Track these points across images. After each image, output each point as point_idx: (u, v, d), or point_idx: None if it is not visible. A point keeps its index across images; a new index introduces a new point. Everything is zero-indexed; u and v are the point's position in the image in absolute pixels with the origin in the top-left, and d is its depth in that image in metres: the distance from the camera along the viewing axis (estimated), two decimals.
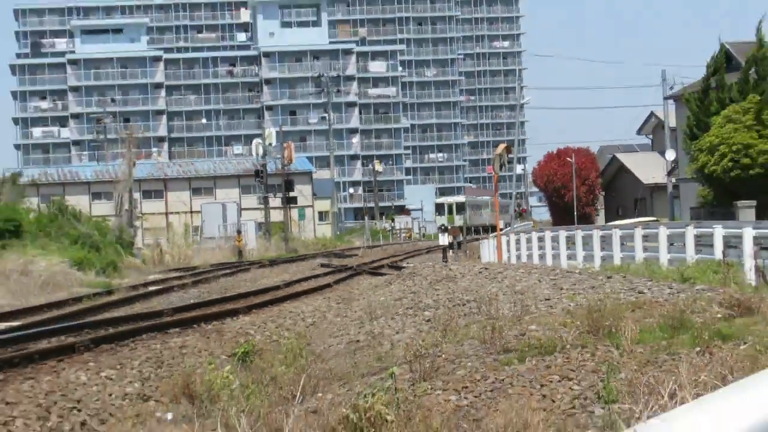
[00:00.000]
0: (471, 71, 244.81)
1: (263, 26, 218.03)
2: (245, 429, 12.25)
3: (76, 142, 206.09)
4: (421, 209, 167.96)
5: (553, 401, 15.30)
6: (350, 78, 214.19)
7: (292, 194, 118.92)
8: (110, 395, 20.25)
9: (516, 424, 13.46)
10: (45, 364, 23.33)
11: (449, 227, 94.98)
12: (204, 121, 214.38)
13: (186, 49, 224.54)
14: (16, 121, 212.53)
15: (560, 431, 13.29)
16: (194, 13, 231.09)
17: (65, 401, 19.39)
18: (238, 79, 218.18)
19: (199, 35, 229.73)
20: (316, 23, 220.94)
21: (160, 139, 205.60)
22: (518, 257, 63.17)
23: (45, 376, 21.79)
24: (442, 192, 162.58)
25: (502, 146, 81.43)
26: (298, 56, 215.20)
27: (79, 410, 18.88)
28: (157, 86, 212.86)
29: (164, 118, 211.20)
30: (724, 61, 69.90)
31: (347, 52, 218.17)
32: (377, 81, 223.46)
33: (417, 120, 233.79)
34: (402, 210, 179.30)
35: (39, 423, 17.88)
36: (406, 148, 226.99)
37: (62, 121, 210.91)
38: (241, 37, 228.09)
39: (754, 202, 59.10)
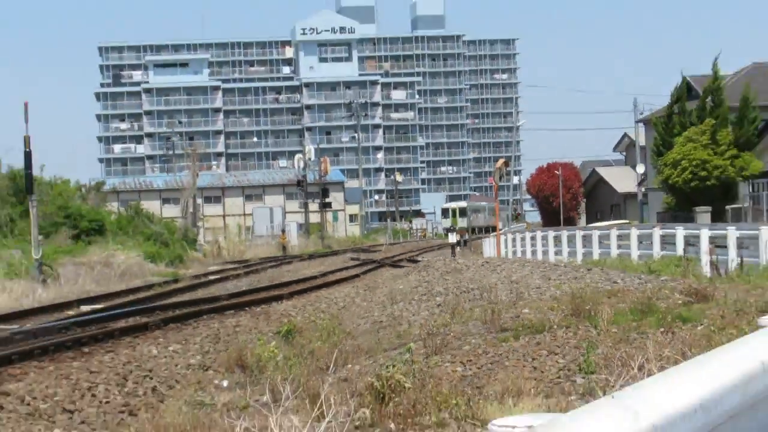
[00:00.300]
0: (476, 99, 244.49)
1: (304, 61, 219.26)
2: (288, 394, 12.22)
3: (150, 157, 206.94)
4: (434, 213, 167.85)
5: (542, 372, 15.29)
6: (376, 104, 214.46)
7: (327, 200, 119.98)
8: (176, 365, 20.29)
9: (511, 391, 13.42)
10: (123, 339, 23.41)
11: (457, 228, 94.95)
12: (255, 139, 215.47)
13: (240, 80, 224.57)
14: (100, 139, 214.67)
15: (548, 397, 13.25)
16: (247, 50, 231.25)
17: (139, 370, 19.43)
18: (283, 105, 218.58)
19: (251, 68, 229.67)
20: (348, 59, 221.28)
21: (219, 155, 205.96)
22: (514, 253, 63.09)
23: (123, 350, 21.84)
24: (452, 199, 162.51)
25: (501, 161, 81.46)
26: (332, 86, 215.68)
27: (151, 378, 18.92)
28: (216, 110, 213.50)
29: (222, 137, 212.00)
30: (685, 91, 69.75)
31: (373, 83, 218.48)
32: (398, 107, 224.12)
33: (431, 139, 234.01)
34: (418, 213, 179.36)
35: (117, 388, 17.89)
36: (422, 162, 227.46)
37: (138, 140, 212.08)
38: (286, 70, 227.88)
39: (709, 208, 59.15)
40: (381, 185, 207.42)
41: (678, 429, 3.10)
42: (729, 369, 3.66)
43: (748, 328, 14.85)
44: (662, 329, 17.84)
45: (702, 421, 3.30)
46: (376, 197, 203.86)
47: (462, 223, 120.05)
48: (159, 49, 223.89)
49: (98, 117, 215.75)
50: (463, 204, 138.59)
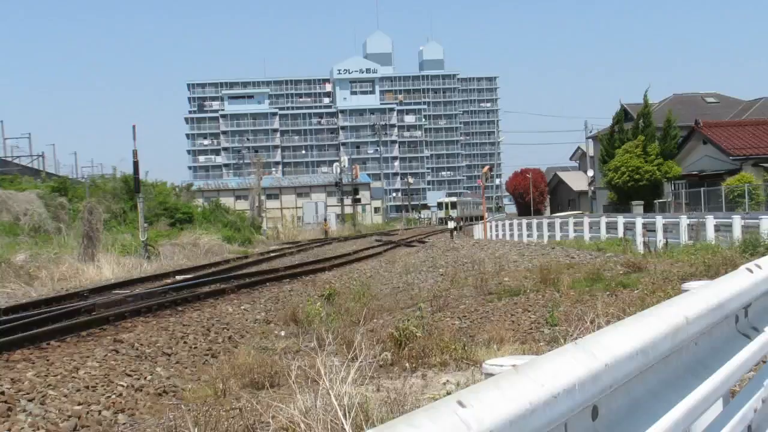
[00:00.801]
0: (467, 121, 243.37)
1: (340, 94, 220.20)
2: (330, 341, 12.20)
3: (225, 165, 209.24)
4: (437, 206, 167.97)
5: (519, 325, 15.28)
6: (392, 126, 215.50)
7: (357, 197, 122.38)
8: (246, 320, 20.32)
9: (496, 339, 13.41)
10: (207, 301, 23.48)
11: (454, 217, 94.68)
12: (303, 152, 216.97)
13: (292, 108, 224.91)
14: (188, 152, 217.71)
15: (523, 343, 13.23)
16: (297, 86, 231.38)
17: (219, 324, 19.47)
18: (324, 126, 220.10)
19: (300, 99, 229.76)
20: (372, 92, 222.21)
21: (276, 163, 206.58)
22: (497, 236, 62.97)
23: (207, 308, 21.89)
24: (449, 195, 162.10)
25: (486, 168, 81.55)
26: (360, 112, 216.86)
27: (227, 329, 18.96)
28: (274, 131, 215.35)
29: (279, 150, 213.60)
30: (623, 115, 69.60)
31: (391, 110, 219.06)
32: (409, 127, 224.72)
33: (433, 151, 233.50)
34: (425, 206, 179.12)
35: (203, 337, 17.94)
36: (427, 168, 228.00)
37: (216, 152, 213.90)
38: (326, 100, 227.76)
39: (642, 202, 59.20)
40: (397, 185, 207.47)
41: (624, 366, 3.10)
42: (661, 322, 3.65)
43: (673, 291, 14.80)
44: (608, 293, 17.83)
45: (642, 361, 3.30)
46: (394, 194, 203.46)
47: (453, 213, 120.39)
48: (232, 85, 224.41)
49: (187, 136, 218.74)
50: (453, 199, 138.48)
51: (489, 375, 2.85)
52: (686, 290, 5.00)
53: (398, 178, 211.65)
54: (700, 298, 4.29)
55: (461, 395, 2.18)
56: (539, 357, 2.70)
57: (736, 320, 5.14)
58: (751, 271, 5.43)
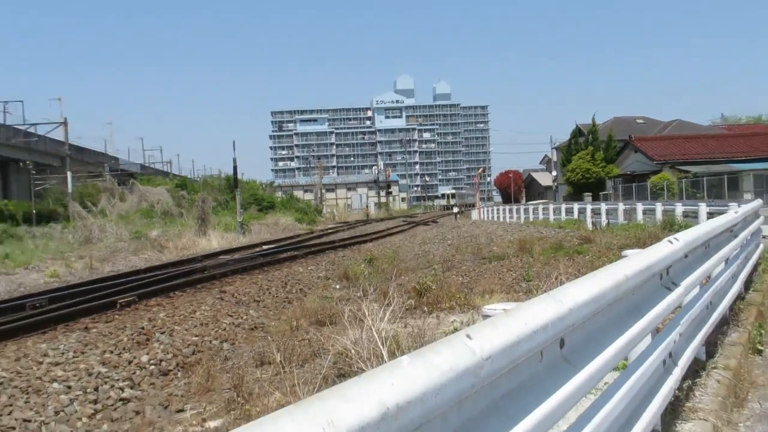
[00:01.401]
0: (467, 136, 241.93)
1: (377, 118, 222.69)
2: (371, 292, 12.20)
3: (297, 168, 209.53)
4: (441, 196, 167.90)
5: (504, 280, 15.14)
6: (414, 140, 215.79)
7: (389, 190, 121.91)
8: (312, 277, 20.31)
9: (487, 290, 13.32)
10: (284, 263, 23.49)
11: (457, 204, 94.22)
12: (351, 159, 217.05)
13: (343, 128, 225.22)
14: (271, 159, 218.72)
15: (507, 293, 13.13)
16: (347, 113, 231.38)
17: (293, 279, 19.47)
18: (366, 141, 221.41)
19: (349, 122, 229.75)
20: (400, 117, 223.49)
21: (333, 166, 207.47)
22: (488, 218, 62.70)
23: (284, 269, 21.92)
24: (452, 190, 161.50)
25: (480, 169, 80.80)
26: (392, 131, 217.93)
27: (299, 283, 18.97)
28: (331, 144, 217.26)
29: (335, 158, 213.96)
30: (578, 132, 69.11)
31: (413, 129, 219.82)
32: (426, 142, 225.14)
33: (443, 158, 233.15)
34: (437, 197, 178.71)
35: (282, 288, 17.97)
36: (438, 169, 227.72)
37: (291, 159, 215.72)
38: (367, 122, 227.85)
39: (590, 194, 59.10)
40: (417, 182, 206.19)
41: (583, 310, 3.07)
42: (608, 279, 3.61)
43: (614, 257, 14.66)
44: (567, 257, 17.66)
45: (596, 305, 3.26)
46: (415, 188, 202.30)
47: (453, 201, 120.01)
48: (302, 112, 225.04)
49: (270, 147, 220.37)
50: (453, 191, 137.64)
51: (486, 316, 2.84)
52: (625, 256, 4.95)
53: (418, 177, 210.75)
54: (636, 261, 4.26)
55: (469, 330, 2.17)
56: (523, 303, 2.68)
57: (660, 277, 5.11)
58: (671, 243, 5.40)
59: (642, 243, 17.77)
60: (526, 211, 51.09)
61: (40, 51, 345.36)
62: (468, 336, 2.12)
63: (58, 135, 56.57)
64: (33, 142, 56.31)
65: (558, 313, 2.78)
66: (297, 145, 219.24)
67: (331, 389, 1.54)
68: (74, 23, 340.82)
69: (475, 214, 70.27)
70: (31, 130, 56.41)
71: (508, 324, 2.38)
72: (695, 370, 6.54)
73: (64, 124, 54.68)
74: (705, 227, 7.19)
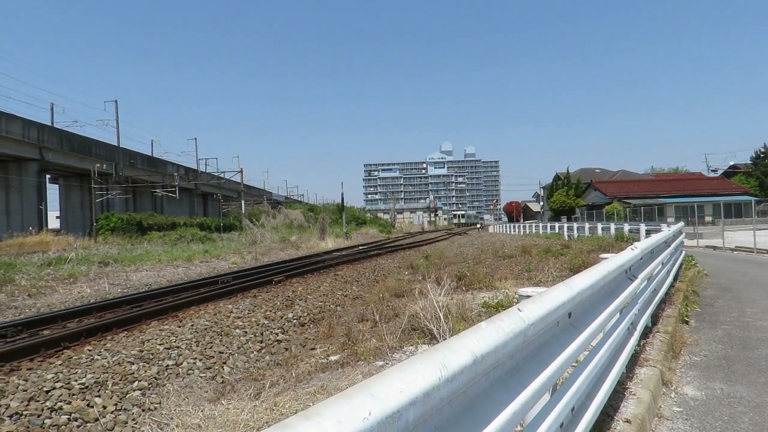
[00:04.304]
0: (486, 180, 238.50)
1: (430, 168, 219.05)
2: (428, 276, 12.06)
3: (380, 199, 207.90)
4: (452, 216, 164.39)
5: (513, 271, 14.64)
6: (452, 182, 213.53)
7: (436, 213, 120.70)
8: (390, 266, 20.09)
9: (503, 276, 12.95)
10: (372, 258, 23.24)
11: (474, 222, 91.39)
12: (413, 193, 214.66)
13: (408, 175, 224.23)
14: (363, 193, 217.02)
15: (516, 279, 12.79)
16: (410, 164, 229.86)
17: (378, 268, 19.28)
18: (423, 183, 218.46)
19: (412, 170, 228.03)
20: (443, 167, 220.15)
21: (401, 198, 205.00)
22: (500, 231, 61.53)
23: (372, 261, 21.65)
24: (464, 212, 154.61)
25: (494, 200, 79.02)
26: (439, 177, 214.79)
27: (382, 270, 18.85)
28: (401, 184, 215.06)
29: (403, 193, 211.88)
30: (557, 177, 67.51)
31: (452, 176, 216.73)
32: (459, 183, 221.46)
33: (471, 194, 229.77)
34: (455, 217, 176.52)
35: (372, 273, 17.85)
36: (467, 201, 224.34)
37: (375, 194, 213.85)
38: (423, 171, 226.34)
39: (566, 217, 57.25)
40: (454, 209, 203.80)
41: (584, 293, 2.93)
42: (598, 273, 3.46)
43: (586, 257, 14.14)
44: (554, 257, 17.07)
45: (591, 291, 3.13)
46: (454, 212, 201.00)
47: (462, 220, 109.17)
48: (383, 163, 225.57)
49: (363, 187, 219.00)
50: (462, 212, 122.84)
51: (523, 297, 2.73)
52: (603, 258, 4.75)
53: (454, 205, 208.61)
54: (613, 262, 4.08)
55: (520, 305, 2.09)
56: (549, 289, 2.58)
57: (626, 272, 4.88)
58: (633, 249, 5.16)
59: (603, 248, 17.10)
60: (524, 227, 49.86)
61: (223, 122, 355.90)
62: (519, 309, 2.03)
63: (236, 178, 58.49)
64: (222, 182, 58.63)
65: (569, 295, 2.65)
66: (379, 185, 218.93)
67: (441, 344, 1.50)
68: (269, 101, 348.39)
69: (491, 229, 69.02)
70: (221, 175, 58.43)
71: (542, 301, 2.28)
72: (646, 333, 6.24)
73: (240, 172, 56.54)
74: (653, 239, 6.89)
